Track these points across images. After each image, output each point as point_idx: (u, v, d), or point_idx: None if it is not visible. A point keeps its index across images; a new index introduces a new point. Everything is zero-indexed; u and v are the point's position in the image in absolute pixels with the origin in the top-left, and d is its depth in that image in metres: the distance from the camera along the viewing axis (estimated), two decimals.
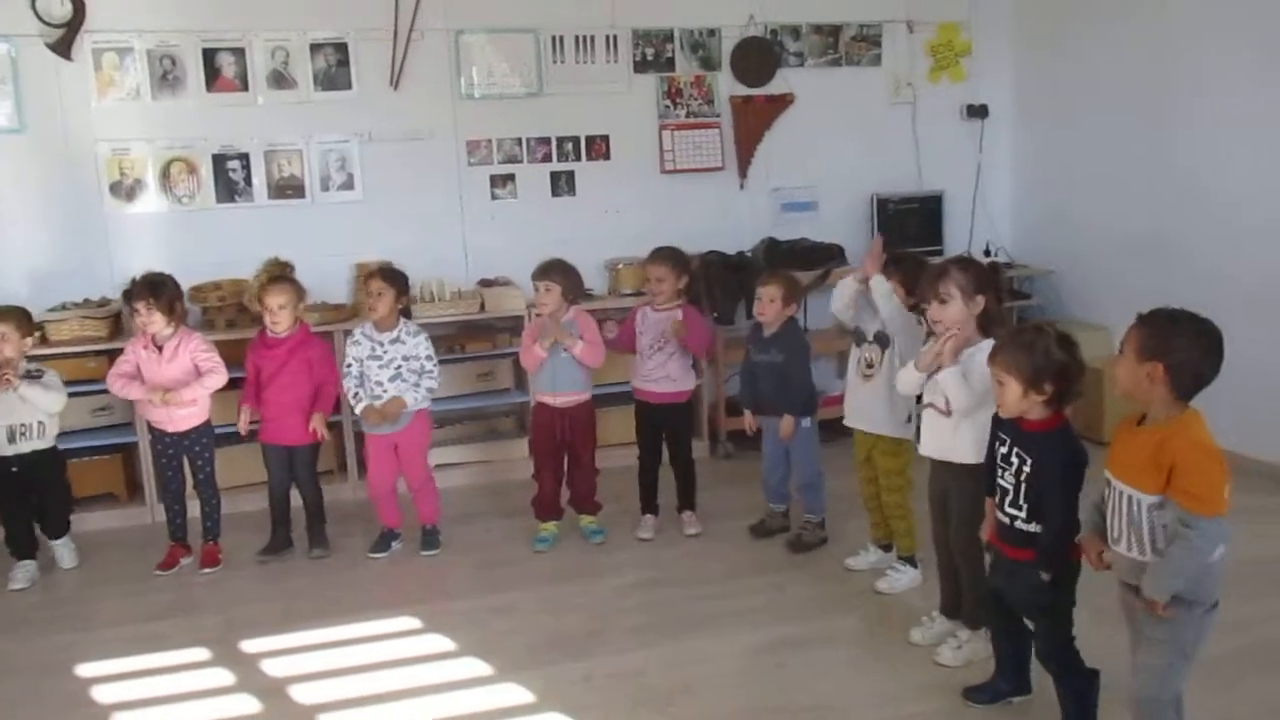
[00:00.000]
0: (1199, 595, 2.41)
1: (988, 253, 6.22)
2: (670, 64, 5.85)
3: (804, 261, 5.49)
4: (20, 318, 4.22)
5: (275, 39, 5.27)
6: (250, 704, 3.27)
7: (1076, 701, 2.78)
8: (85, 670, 3.52)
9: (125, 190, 5.19)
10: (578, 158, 5.76)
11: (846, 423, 3.98)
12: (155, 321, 4.20)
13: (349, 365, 4.34)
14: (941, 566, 3.44)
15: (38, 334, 4.46)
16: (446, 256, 5.51)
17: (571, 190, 5.77)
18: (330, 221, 5.43)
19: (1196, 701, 2.56)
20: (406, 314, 4.43)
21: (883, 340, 3.79)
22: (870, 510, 4.03)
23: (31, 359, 4.31)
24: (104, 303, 4.97)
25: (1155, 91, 5.36)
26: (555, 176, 5.75)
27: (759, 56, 5.97)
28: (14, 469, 4.22)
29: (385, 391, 4.30)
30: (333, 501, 4.65)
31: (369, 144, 5.46)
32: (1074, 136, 5.95)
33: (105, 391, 4.73)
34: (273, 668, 3.49)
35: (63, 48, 4.98)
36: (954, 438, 3.23)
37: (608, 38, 5.72)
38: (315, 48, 5.32)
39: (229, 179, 5.31)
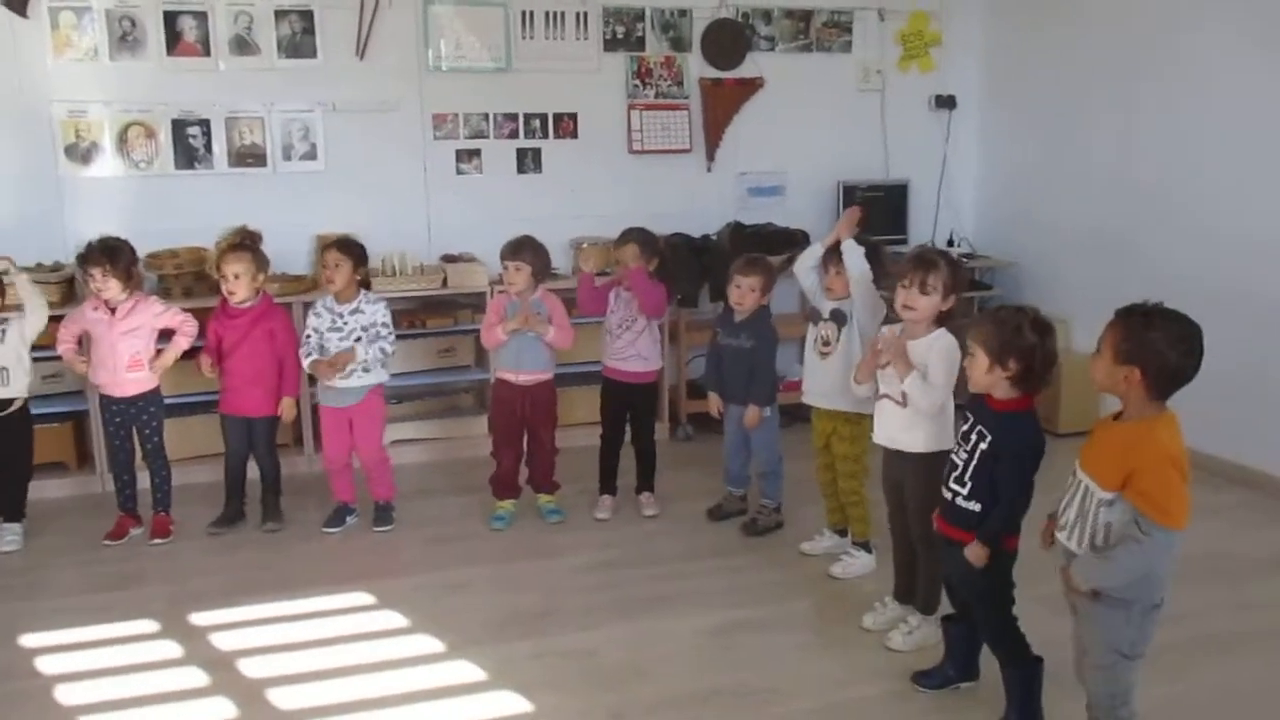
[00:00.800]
0: (1135, 595, 2.41)
1: (951, 243, 6.27)
2: (640, 43, 5.82)
3: (769, 246, 5.47)
4: None
5: (239, 4, 5.16)
6: (198, 677, 3.24)
7: (1021, 687, 2.81)
8: (29, 640, 3.46)
9: (81, 153, 5.08)
10: (545, 135, 5.72)
11: (805, 401, 3.99)
12: (110, 288, 4.12)
13: (308, 335, 4.30)
14: (896, 552, 3.48)
15: None
16: (409, 230, 5.45)
17: (538, 168, 5.73)
18: (292, 192, 5.35)
19: (1144, 692, 2.59)
20: (366, 286, 4.39)
21: (839, 318, 3.81)
22: (826, 496, 4.05)
23: None
24: (57, 267, 4.87)
25: (1123, 91, 5.40)
26: (521, 153, 5.70)
27: (730, 39, 5.95)
28: None
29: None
30: (288, 475, 4.60)
31: (333, 114, 5.37)
32: (1040, 131, 5.99)
33: (58, 359, 4.66)
34: (221, 641, 3.46)
35: (18, 5, 4.85)
36: (908, 429, 3.26)
37: (578, 15, 5.67)
38: (280, 14, 5.22)
39: (189, 145, 5.22)
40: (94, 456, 4.85)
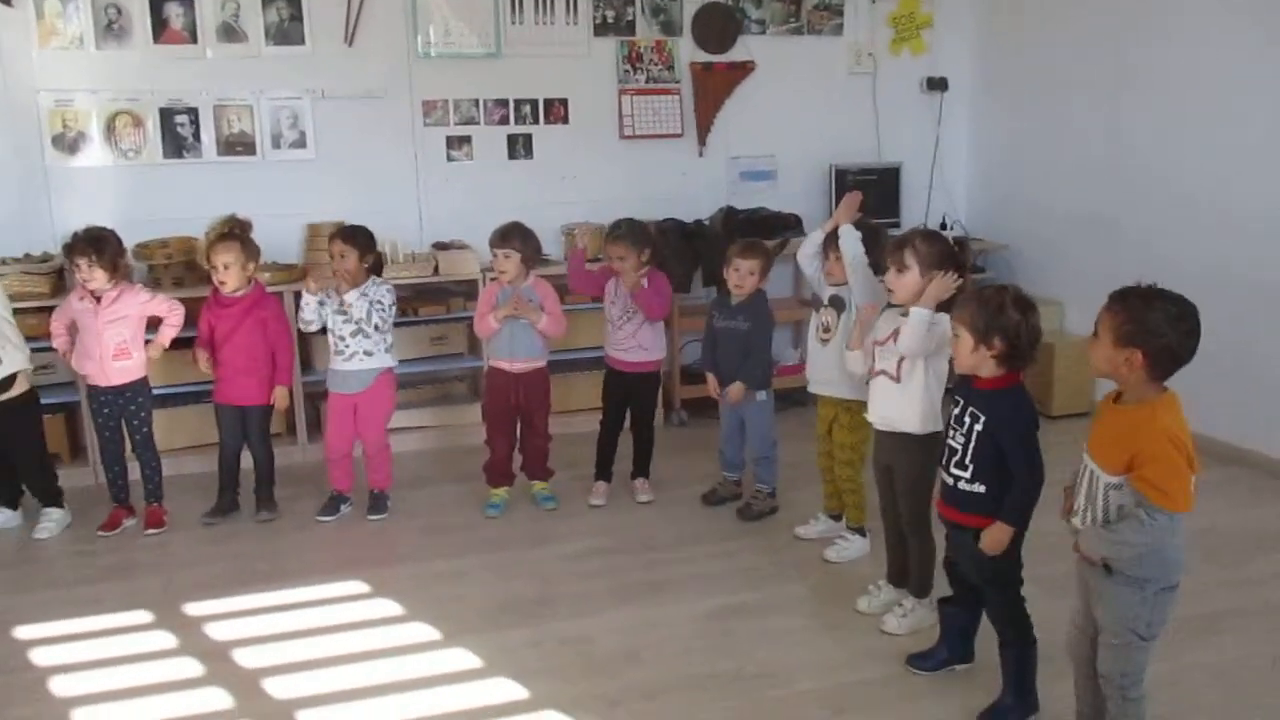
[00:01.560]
0: (1149, 574, 2.41)
1: (944, 226, 6.26)
2: (631, 28, 5.79)
3: (762, 231, 5.47)
4: None
5: None
6: (193, 667, 3.23)
7: (1018, 666, 2.82)
8: (22, 632, 3.45)
9: (68, 143, 5.05)
10: (536, 121, 5.69)
11: (810, 389, 3.98)
12: (96, 278, 4.10)
13: (314, 304, 4.24)
14: (888, 536, 3.48)
15: None
16: (400, 218, 5.43)
17: (529, 153, 5.70)
18: (281, 180, 5.32)
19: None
20: (377, 271, 4.35)
21: (838, 304, 3.80)
22: (825, 480, 4.05)
23: None
24: (46, 258, 4.84)
25: (1114, 74, 5.39)
26: (512, 139, 5.68)
27: (720, 23, 5.92)
28: None
29: (346, 346, 4.25)
30: (282, 465, 4.58)
31: (322, 101, 5.34)
32: (1032, 114, 5.98)
33: (48, 349, 4.63)
34: (216, 631, 3.45)
35: None
36: (901, 406, 3.26)
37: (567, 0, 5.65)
38: (267, 0, 5.19)
39: (176, 134, 5.18)
40: (86, 448, 4.83)
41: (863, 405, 3.56)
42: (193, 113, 5.19)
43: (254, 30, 5.19)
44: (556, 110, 5.72)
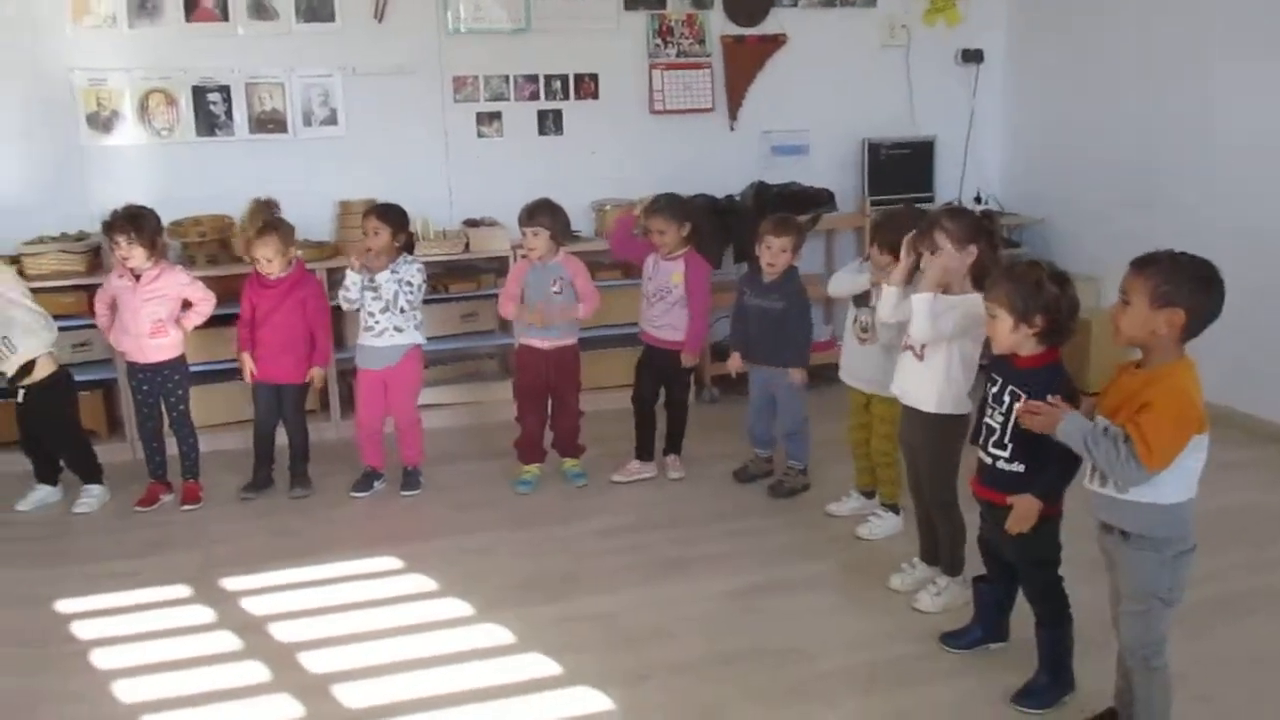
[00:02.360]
0: (1165, 534, 2.42)
1: (979, 200, 6.19)
2: (661, 1, 5.73)
3: (794, 206, 5.42)
4: None
5: None
6: (229, 641, 3.27)
7: (1055, 647, 2.80)
8: (64, 606, 3.51)
9: (102, 122, 5.08)
10: (565, 96, 5.67)
11: (842, 378, 3.96)
12: (135, 255, 4.14)
13: (360, 282, 4.27)
14: (919, 512, 3.46)
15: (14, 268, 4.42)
16: (430, 195, 5.42)
17: (559, 129, 5.68)
18: (312, 157, 5.33)
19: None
20: (409, 249, 4.37)
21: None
22: (857, 456, 4.03)
23: None
24: (82, 236, 4.89)
25: (1152, 43, 5.28)
26: (542, 115, 5.65)
27: None
28: (16, 399, 4.24)
29: (376, 323, 4.27)
30: (315, 441, 4.61)
31: (352, 78, 5.34)
32: (1069, 84, 5.87)
33: (85, 327, 4.70)
34: (252, 605, 3.49)
35: None
36: (919, 383, 3.23)
37: None
38: None
39: (209, 112, 5.21)
40: (124, 424, 4.89)
41: None
42: (225, 90, 5.21)
43: (284, 7, 5.19)
44: (586, 85, 5.69)
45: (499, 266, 5.27)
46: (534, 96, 5.63)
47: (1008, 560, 2.90)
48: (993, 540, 2.92)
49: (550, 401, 4.43)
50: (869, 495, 4.04)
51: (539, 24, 5.54)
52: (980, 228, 3.16)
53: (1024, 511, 2.70)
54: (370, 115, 5.39)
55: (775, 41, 5.92)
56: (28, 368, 4.18)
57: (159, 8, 5.05)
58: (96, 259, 4.84)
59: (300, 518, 4.23)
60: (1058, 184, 6.00)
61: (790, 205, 5.43)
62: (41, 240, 4.80)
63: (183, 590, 3.60)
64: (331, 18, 5.26)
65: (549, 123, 5.67)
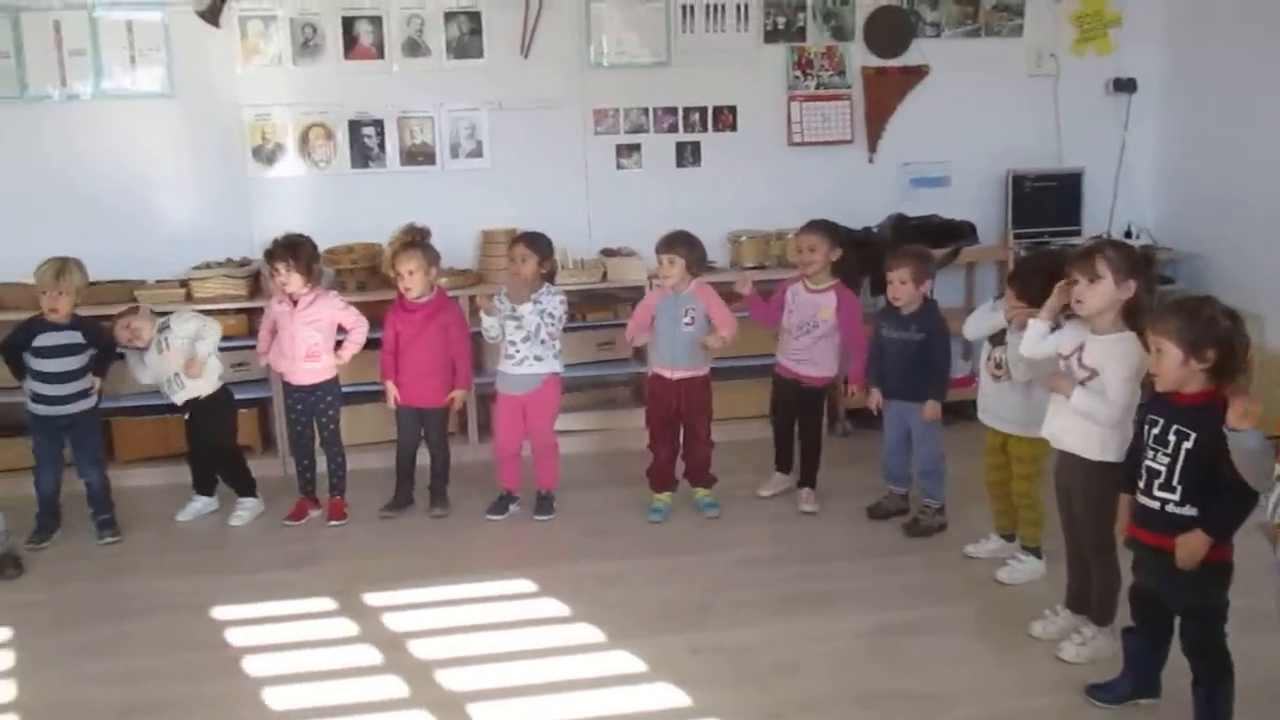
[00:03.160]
0: None
1: (1129, 234, 5.95)
2: (801, 34, 5.74)
3: (933, 238, 5.33)
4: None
5: (411, 7, 5.35)
6: (371, 655, 3.39)
7: (1214, 708, 2.66)
8: (220, 613, 3.69)
9: (266, 154, 5.38)
10: (704, 128, 5.71)
11: (980, 418, 3.87)
12: (293, 281, 4.35)
13: (496, 325, 4.40)
14: (1070, 558, 3.33)
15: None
16: (570, 225, 5.52)
17: (696, 161, 5.73)
18: (458, 188, 5.51)
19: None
20: (550, 278, 4.48)
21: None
22: (995, 498, 3.92)
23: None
24: (245, 263, 5.17)
25: None
26: (681, 147, 5.71)
27: (894, 26, 5.80)
28: (184, 415, 4.53)
29: (517, 351, 4.37)
30: (453, 463, 4.74)
31: (498, 112, 5.52)
32: (1227, 114, 5.61)
33: (244, 348, 4.95)
34: (392, 621, 3.61)
35: (211, 16, 5.17)
36: (1075, 431, 3.11)
37: (738, 6, 5.64)
38: (449, 16, 5.39)
39: (364, 145, 5.45)
40: (276, 441, 5.13)
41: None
42: (378, 124, 5.45)
43: (436, 45, 5.41)
44: (725, 118, 5.72)
45: (635, 295, 5.31)
46: (672, 129, 5.69)
47: (1168, 610, 2.77)
48: (1151, 589, 2.79)
49: (682, 431, 4.46)
50: (1009, 538, 3.92)
51: (679, 57, 5.62)
52: (1140, 262, 3.05)
53: (1193, 549, 2.59)
54: (514, 147, 5.55)
55: (918, 73, 5.85)
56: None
57: (320, 47, 5.33)
58: (257, 284, 5.11)
59: (438, 537, 4.35)
60: (1215, 218, 5.73)
61: (929, 238, 5.34)
62: (208, 265, 5.09)
63: (328, 603, 3.75)
64: (480, 54, 5.45)
65: (687, 154, 5.73)
